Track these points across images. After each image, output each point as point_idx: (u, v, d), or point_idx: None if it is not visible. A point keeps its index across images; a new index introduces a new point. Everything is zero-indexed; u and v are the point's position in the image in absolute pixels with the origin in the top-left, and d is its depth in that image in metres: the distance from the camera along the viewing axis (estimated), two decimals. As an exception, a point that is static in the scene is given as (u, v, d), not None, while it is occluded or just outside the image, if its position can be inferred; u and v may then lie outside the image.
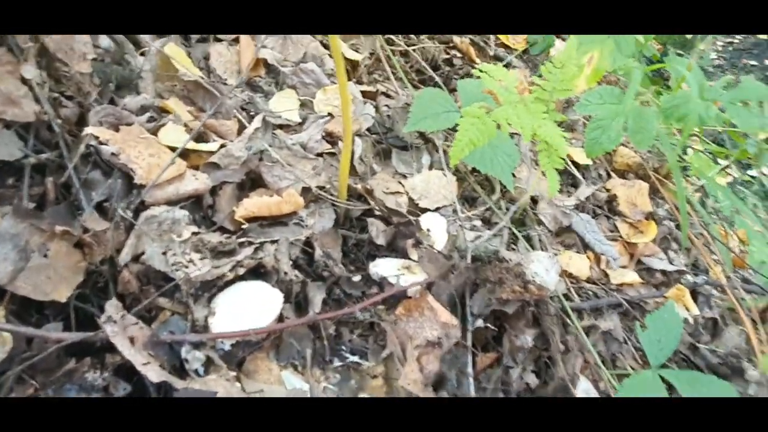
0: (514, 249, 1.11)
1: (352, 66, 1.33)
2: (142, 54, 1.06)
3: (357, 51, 1.36)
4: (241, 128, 1.00)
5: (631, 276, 1.20)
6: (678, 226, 1.42)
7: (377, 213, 1.01)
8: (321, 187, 0.97)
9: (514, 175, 1.21)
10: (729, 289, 1.26)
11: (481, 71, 0.96)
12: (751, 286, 1.51)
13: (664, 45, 4.79)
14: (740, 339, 1.19)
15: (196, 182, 0.87)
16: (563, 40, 1.86)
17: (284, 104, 1.12)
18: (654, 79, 2.83)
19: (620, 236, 1.29)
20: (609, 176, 1.46)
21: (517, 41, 1.71)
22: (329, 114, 1.16)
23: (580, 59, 1.38)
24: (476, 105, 0.88)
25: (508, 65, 1.61)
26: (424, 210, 1.07)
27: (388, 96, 1.30)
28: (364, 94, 1.25)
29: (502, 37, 1.69)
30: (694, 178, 1.89)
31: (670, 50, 4.68)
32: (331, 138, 1.11)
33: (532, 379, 0.89)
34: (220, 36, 1.23)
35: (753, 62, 5.45)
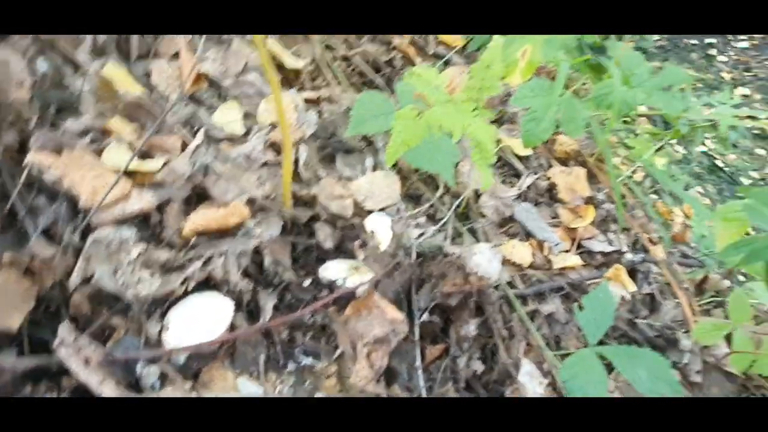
0: (458, 242, 1.16)
1: (294, 74, 1.36)
2: (82, 76, 1.07)
3: (299, 57, 1.39)
4: (185, 144, 1.02)
5: (573, 259, 1.26)
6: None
7: (324, 218, 1.05)
8: (267, 197, 1.00)
9: (456, 170, 1.26)
10: (664, 265, 1.34)
11: (412, 75, 1.01)
12: (689, 260, 1.60)
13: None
14: (677, 311, 1.27)
15: (142, 201, 0.89)
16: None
17: (227, 117, 1.15)
18: (596, 66, 2.88)
19: (561, 222, 1.35)
20: (550, 165, 1.53)
21: (457, 37, 1.75)
22: (272, 124, 1.19)
23: (514, 54, 1.44)
24: (408, 107, 0.92)
25: (447, 62, 1.66)
26: (370, 211, 1.11)
27: (330, 101, 1.33)
28: (306, 101, 1.28)
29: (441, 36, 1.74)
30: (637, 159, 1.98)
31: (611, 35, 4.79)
32: (276, 147, 1.13)
33: (479, 366, 0.94)
34: (160, 51, 1.24)
35: (693, 41, 5.65)
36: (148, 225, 0.91)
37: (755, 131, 4.96)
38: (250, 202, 0.99)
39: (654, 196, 2.63)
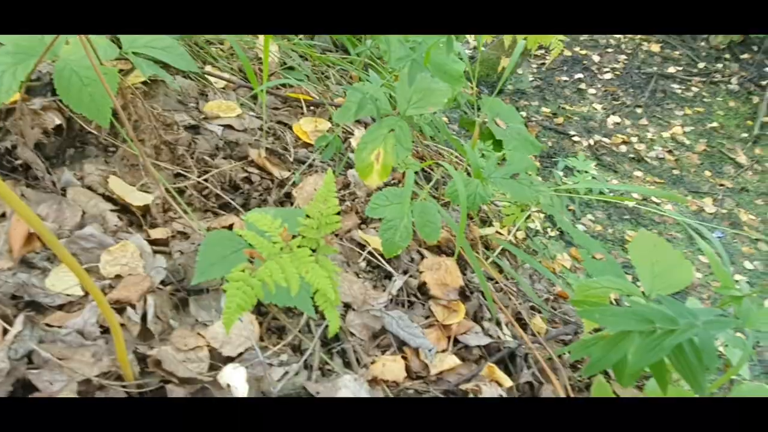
0: (327, 371, 1.13)
1: (142, 211, 1.30)
2: None
3: (147, 191, 1.34)
4: (7, 330, 0.94)
5: (450, 360, 1.26)
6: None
7: (175, 379, 0.99)
8: (104, 374, 0.93)
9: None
10: (534, 349, 1.37)
11: (247, 221, 0.98)
12: (570, 326, 1.65)
13: (478, 86, 5.17)
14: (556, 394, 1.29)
15: (-50, 416, 0.80)
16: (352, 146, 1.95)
17: (63, 281, 1.07)
18: (471, 122, 2.98)
19: (436, 320, 1.35)
20: (422, 256, 1.54)
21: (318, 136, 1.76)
22: (118, 275, 1.13)
23: (369, 158, 1.46)
24: (239, 267, 0.89)
25: (311, 165, 1.66)
26: (228, 357, 1.06)
27: (184, 235, 1.29)
28: (155, 241, 1.23)
29: (302, 136, 1.74)
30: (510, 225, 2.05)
31: (484, 92, 5.04)
32: (119, 305, 1.07)
33: None
34: (-16, 214, 1.15)
35: (565, 78, 6.06)
36: (-39, 441, 0.81)
37: (631, 155, 5.34)
38: (86, 383, 0.92)
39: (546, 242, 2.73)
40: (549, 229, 3.30)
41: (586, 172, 2.42)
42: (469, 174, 1.68)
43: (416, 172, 1.83)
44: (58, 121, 1.33)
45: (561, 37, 2.11)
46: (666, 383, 0.88)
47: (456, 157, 2.35)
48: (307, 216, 0.99)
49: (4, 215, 1.16)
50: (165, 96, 1.65)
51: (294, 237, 0.99)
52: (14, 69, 1.15)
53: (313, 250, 0.98)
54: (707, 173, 5.02)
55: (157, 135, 1.45)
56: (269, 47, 1.55)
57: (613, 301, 2.13)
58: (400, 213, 1.28)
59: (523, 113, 5.58)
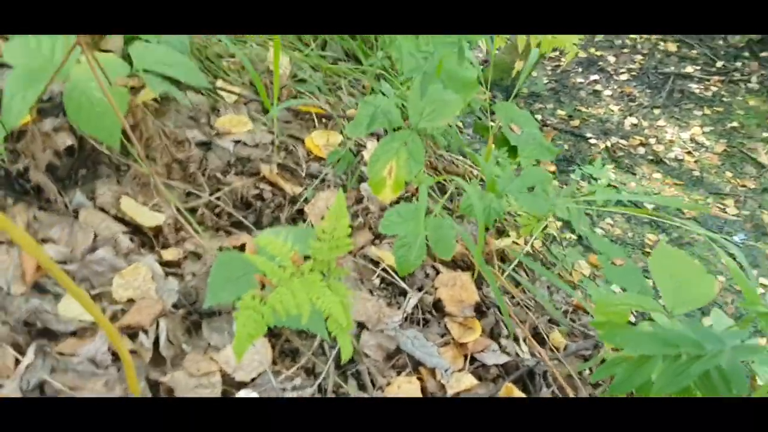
0: (343, 394, 1.11)
1: (154, 232, 1.29)
2: None
3: (159, 211, 1.33)
4: (19, 361, 0.93)
5: (467, 380, 1.23)
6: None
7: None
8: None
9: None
10: (553, 366, 1.33)
11: (259, 243, 0.97)
12: (588, 341, 1.61)
13: (492, 91, 5.12)
14: (577, 413, 1.25)
15: (-39, 451, 0.79)
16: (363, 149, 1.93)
17: (75, 306, 1.07)
18: (485, 127, 2.93)
19: (452, 338, 1.33)
20: (437, 271, 1.51)
21: (331, 150, 1.75)
22: (130, 299, 1.12)
23: (381, 172, 1.44)
24: (250, 294, 0.88)
25: (323, 180, 1.64)
26: (241, 384, 1.05)
27: (196, 255, 1.27)
28: (167, 263, 1.22)
29: (314, 150, 1.73)
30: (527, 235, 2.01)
31: (498, 96, 4.98)
32: (131, 330, 1.06)
33: None
34: (-3, 239, 1.15)
35: (580, 80, 5.99)
36: (-28, 475, 0.81)
37: (650, 157, 5.25)
38: (98, 413, 0.90)
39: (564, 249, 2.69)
40: (567, 235, 3.25)
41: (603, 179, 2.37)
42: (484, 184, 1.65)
43: (430, 186, 1.80)
44: (69, 142, 1.33)
45: (575, 39, 2.06)
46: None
47: (470, 165, 2.33)
48: (318, 239, 0.97)
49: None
50: (176, 112, 1.64)
51: (306, 258, 0.97)
52: (24, 93, 1.14)
53: (324, 274, 0.96)
54: (728, 174, 4.92)
55: (169, 153, 1.44)
56: (279, 60, 1.54)
57: (633, 315, 2.09)
58: (415, 230, 1.25)
59: (539, 116, 5.52)
